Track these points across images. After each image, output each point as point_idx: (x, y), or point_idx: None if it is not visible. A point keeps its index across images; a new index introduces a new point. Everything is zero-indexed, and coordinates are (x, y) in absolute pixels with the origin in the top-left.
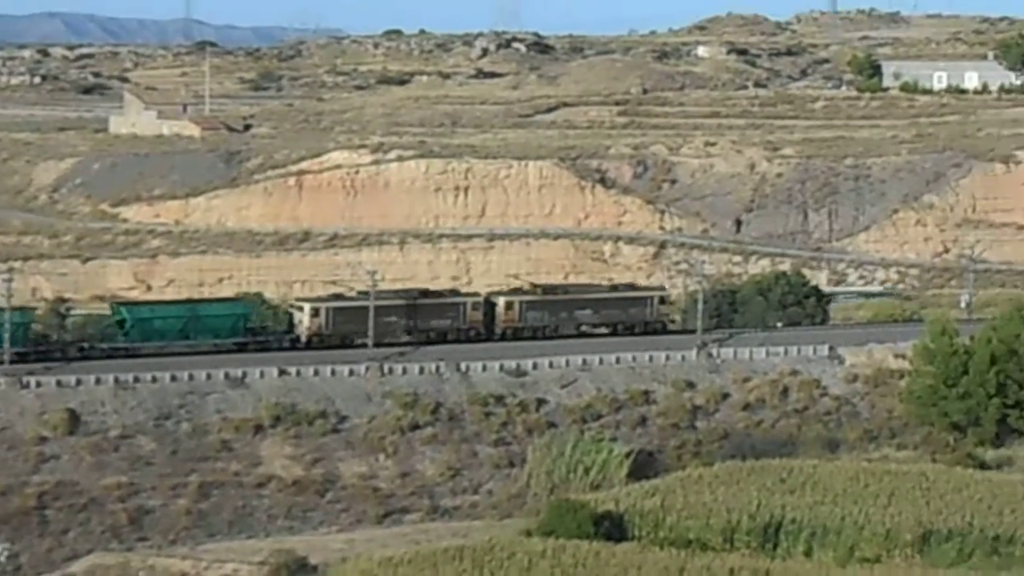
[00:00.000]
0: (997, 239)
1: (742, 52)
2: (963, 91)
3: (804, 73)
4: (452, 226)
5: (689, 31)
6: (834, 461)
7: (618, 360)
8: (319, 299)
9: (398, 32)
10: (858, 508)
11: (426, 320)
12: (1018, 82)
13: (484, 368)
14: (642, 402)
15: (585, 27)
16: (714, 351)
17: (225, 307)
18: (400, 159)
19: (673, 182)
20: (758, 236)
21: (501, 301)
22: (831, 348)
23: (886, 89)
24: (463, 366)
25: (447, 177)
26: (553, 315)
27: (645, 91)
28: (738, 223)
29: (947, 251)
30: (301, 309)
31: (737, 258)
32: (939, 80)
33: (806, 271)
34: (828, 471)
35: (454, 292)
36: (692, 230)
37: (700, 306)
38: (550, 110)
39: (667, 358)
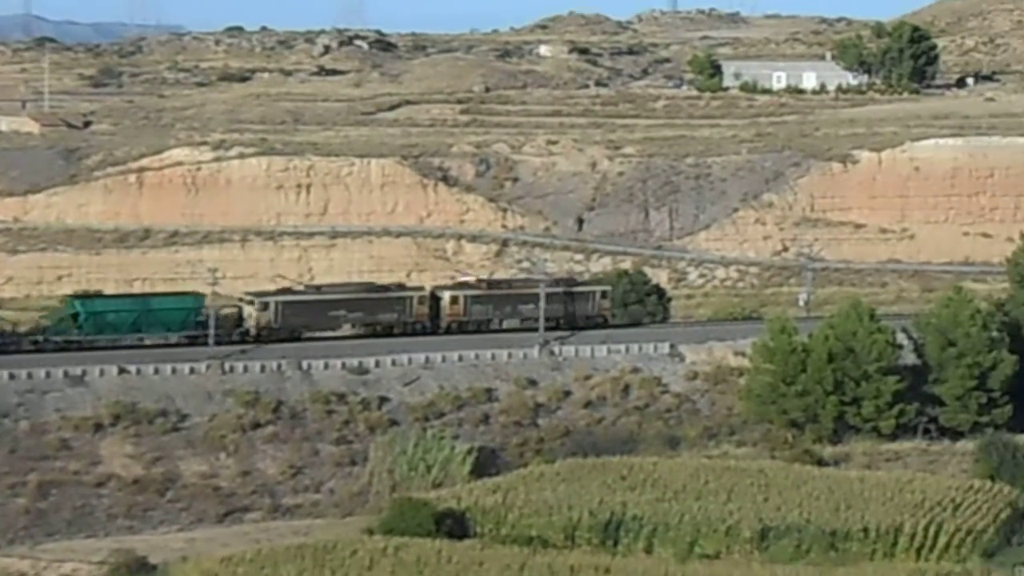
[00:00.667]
0: (835, 238)
1: (584, 51)
2: (801, 91)
3: (645, 72)
4: (294, 224)
5: (531, 30)
6: (674, 458)
7: (460, 358)
8: (268, 293)
9: (240, 29)
10: (698, 504)
11: (373, 314)
12: (855, 82)
13: (326, 366)
14: (484, 400)
15: (428, 25)
16: (556, 349)
17: (176, 301)
18: (242, 156)
19: (515, 180)
20: (600, 234)
21: (446, 295)
22: (672, 346)
23: (726, 89)
24: (305, 364)
25: (289, 175)
26: (497, 309)
27: (487, 89)
28: (580, 221)
29: (786, 249)
30: (251, 303)
31: (579, 256)
32: (778, 80)
33: (647, 269)
34: (668, 468)
35: (400, 286)
36: (534, 228)
37: (542, 304)
38: (392, 108)
39: (509, 356)
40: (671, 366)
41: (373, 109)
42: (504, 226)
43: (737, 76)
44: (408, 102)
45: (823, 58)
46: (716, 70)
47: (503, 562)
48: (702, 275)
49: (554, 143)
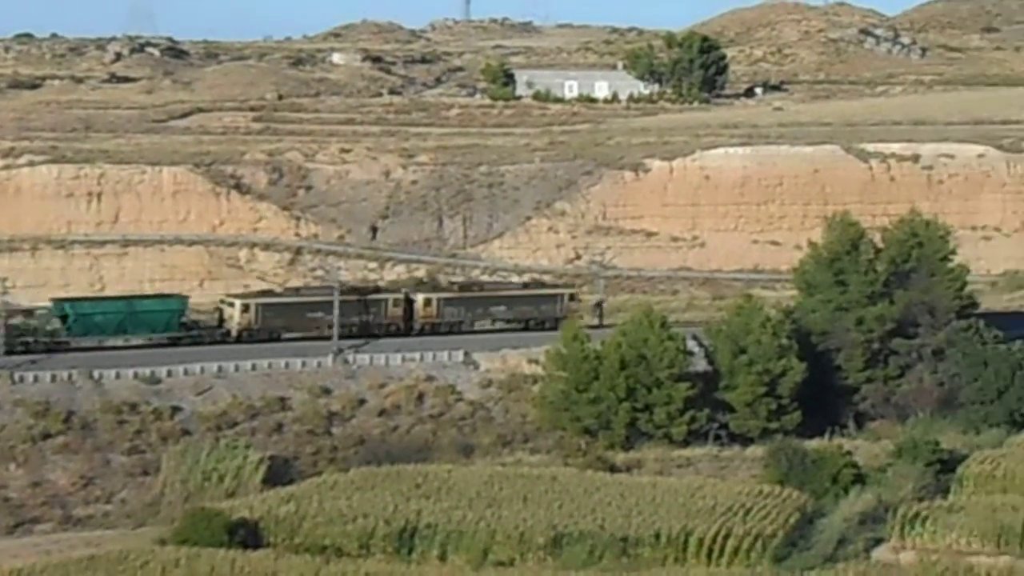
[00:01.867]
0: (627, 246)
1: (377, 59)
2: (594, 100)
3: (439, 81)
4: (85, 232)
5: (324, 38)
6: (469, 466)
7: (254, 367)
8: (249, 295)
9: (29, 36)
10: (492, 512)
11: (349, 316)
12: (646, 91)
13: (118, 376)
14: (278, 409)
15: (220, 32)
16: (350, 357)
17: (160, 303)
18: (31, 164)
19: (309, 188)
20: (394, 242)
21: (420, 298)
22: (466, 354)
23: (519, 97)
24: (96, 374)
25: (80, 183)
26: (469, 311)
27: (280, 97)
28: (374, 229)
29: (579, 257)
30: (232, 305)
31: (373, 264)
32: (570, 89)
33: (441, 277)
34: (463, 476)
35: (377, 289)
36: (328, 236)
37: (336, 312)
38: (184, 115)
39: (303, 364)
40: (465, 374)
41: (165, 117)
42: (298, 234)
43: (530, 85)
44: (200, 110)
45: (615, 68)
46: (509, 79)
47: (297, 571)
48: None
49: (348, 151)
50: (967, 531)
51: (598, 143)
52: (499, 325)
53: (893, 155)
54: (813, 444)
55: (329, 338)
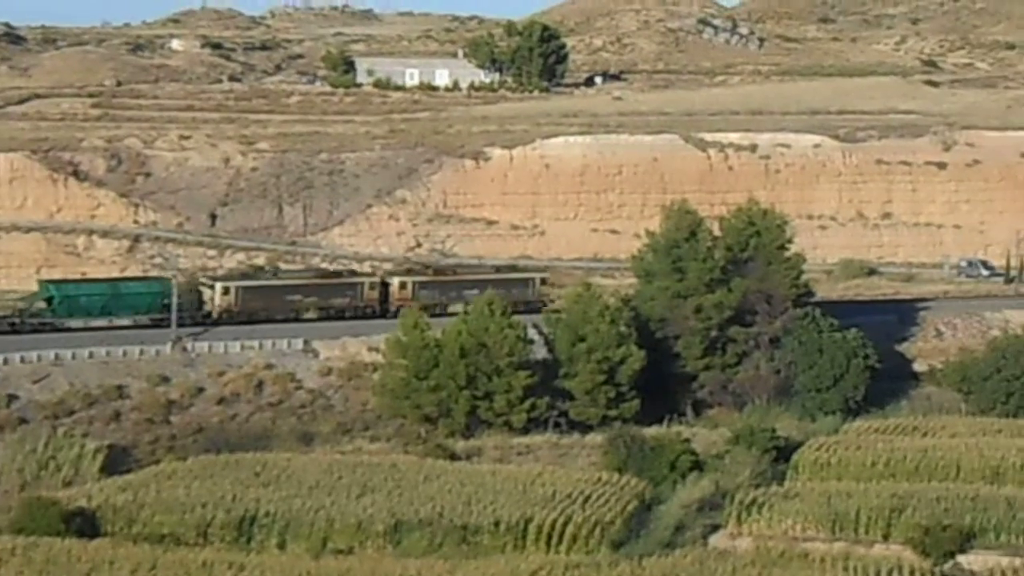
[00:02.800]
0: (468, 234)
1: (217, 46)
2: (434, 88)
3: (279, 68)
4: None
5: (163, 24)
6: (308, 454)
7: (91, 355)
8: (229, 277)
9: None
10: (331, 500)
11: (327, 298)
12: (487, 80)
13: None
14: (116, 397)
15: (57, 18)
16: (189, 345)
17: (144, 286)
18: None
19: (147, 175)
20: (233, 230)
21: (395, 281)
22: (306, 342)
23: (360, 85)
24: None
25: None
26: (444, 294)
27: (119, 83)
28: (213, 217)
29: (419, 245)
30: (212, 287)
31: (212, 252)
32: (411, 77)
33: (281, 264)
34: (302, 464)
35: (352, 273)
36: (167, 224)
37: (175, 300)
38: (21, 102)
39: (141, 352)
40: (305, 362)
41: (1, 103)
42: (136, 221)
43: (370, 73)
44: (38, 96)
45: (455, 56)
46: (349, 66)
47: (134, 560)
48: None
49: (187, 138)
50: (802, 517)
51: (439, 131)
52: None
53: (731, 145)
54: (652, 431)
55: (309, 320)
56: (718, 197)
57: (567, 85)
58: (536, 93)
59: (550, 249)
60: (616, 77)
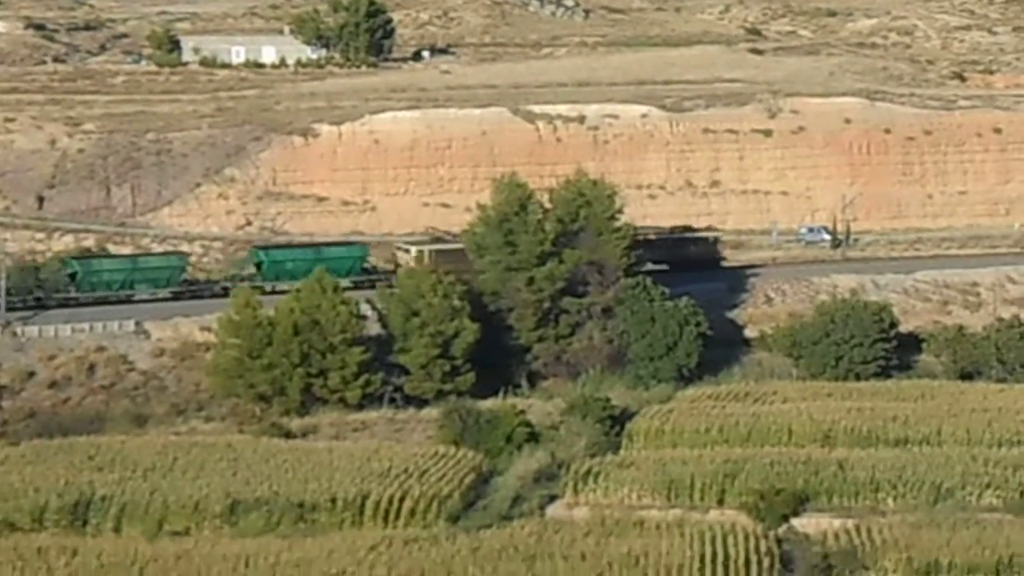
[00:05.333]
0: (298, 211)
1: (40, 27)
2: (261, 65)
3: (103, 48)
4: None
5: None
6: (142, 436)
7: None
8: (421, 241)
9: None
10: (166, 482)
11: None
12: (314, 56)
13: None
14: None
15: None
16: (19, 329)
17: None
18: None
19: None
20: (61, 212)
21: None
22: (137, 323)
23: (186, 64)
24: None
25: None
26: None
27: None
28: (40, 199)
29: (250, 224)
30: (407, 251)
31: (40, 235)
32: (237, 55)
33: (111, 246)
34: (136, 446)
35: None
36: None
37: (2, 284)
38: None
39: None
40: (137, 343)
41: None
42: None
43: (196, 51)
44: None
45: (282, 32)
46: (175, 45)
47: None
48: (166, 252)
49: (11, 120)
50: (638, 485)
51: (266, 109)
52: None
53: (559, 116)
54: (487, 404)
55: None
56: (548, 169)
57: (395, 60)
58: (363, 68)
59: (382, 224)
60: (443, 51)
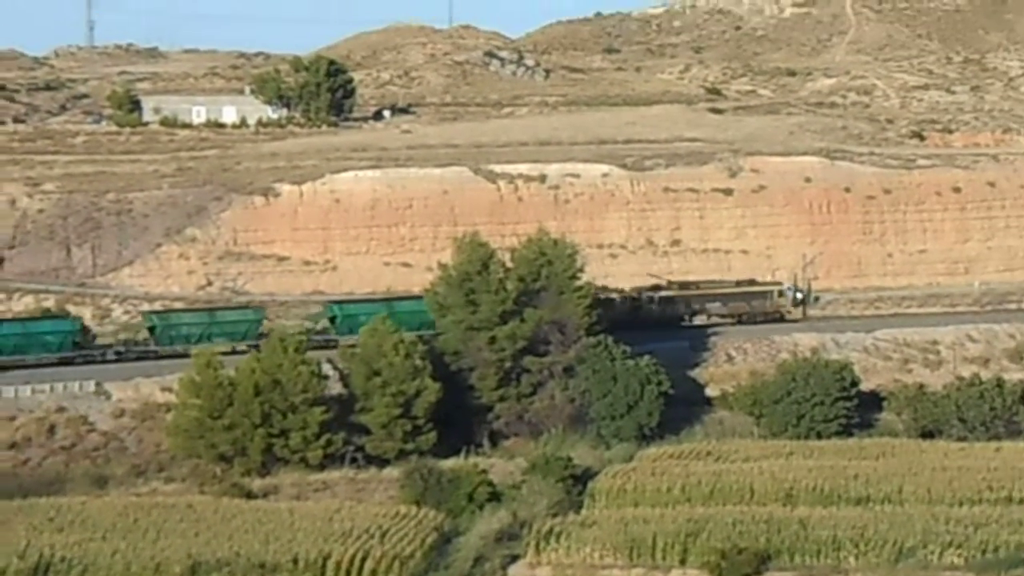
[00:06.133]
0: (259, 271)
1: (0, 88)
2: (222, 125)
3: (64, 108)
4: None
5: None
6: (103, 497)
7: None
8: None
9: None
10: (127, 543)
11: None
12: (275, 116)
13: None
14: None
15: None
16: None
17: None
18: None
19: None
20: (21, 273)
21: (644, 296)
22: (98, 384)
23: (146, 123)
24: None
25: None
26: (688, 307)
27: None
28: (0, 260)
29: (210, 283)
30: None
31: (1, 295)
32: (198, 114)
33: (71, 307)
34: (97, 507)
35: (605, 288)
36: None
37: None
38: None
39: None
40: (97, 404)
41: None
42: None
43: (157, 111)
44: None
45: (242, 92)
46: (135, 105)
47: None
48: (127, 311)
49: None
50: (600, 545)
51: (227, 168)
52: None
53: (520, 176)
54: (449, 463)
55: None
56: (509, 228)
57: (355, 119)
58: (324, 128)
59: (343, 284)
60: (404, 110)
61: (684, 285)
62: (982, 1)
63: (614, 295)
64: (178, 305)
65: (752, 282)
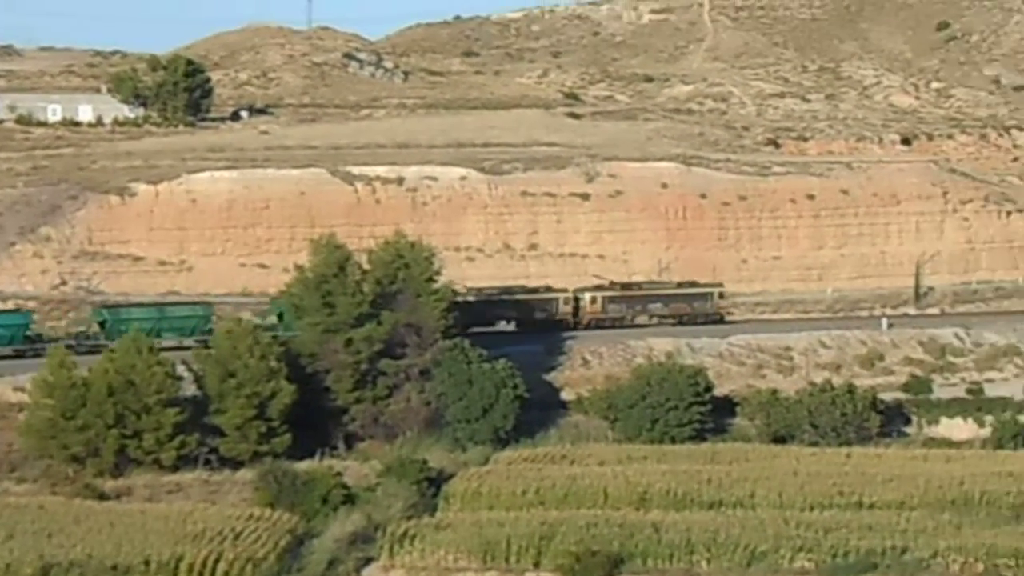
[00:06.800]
0: (114, 271)
1: None
2: (78, 124)
3: None
4: None
5: None
6: None
7: None
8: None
9: None
10: None
11: (526, 313)
12: (131, 115)
13: None
14: None
15: None
16: None
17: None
18: None
19: None
20: None
21: (587, 296)
22: None
23: (1, 121)
24: None
25: None
26: (630, 308)
27: None
28: None
29: (65, 283)
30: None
31: None
32: (54, 112)
33: None
34: None
35: (549, 289)
36: None
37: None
38: None
39: None
40: None
41: None
42: None
43: (12, 109)
44: None
45: (99, 91)
46: None
47: None
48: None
49: None
50: (454, 547)
51: (83, 167)
52: (655, 320)
53: (378, 178)
54: (303, 466)
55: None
56: (366, 230)
57: (213, 119)
58: (181, 128)
59: (199, 285)
60: (262, 111)
61: (626, 286)
62: (837, 10)
63: (554, 295)
64: (31, 305)
65: (693, 283)
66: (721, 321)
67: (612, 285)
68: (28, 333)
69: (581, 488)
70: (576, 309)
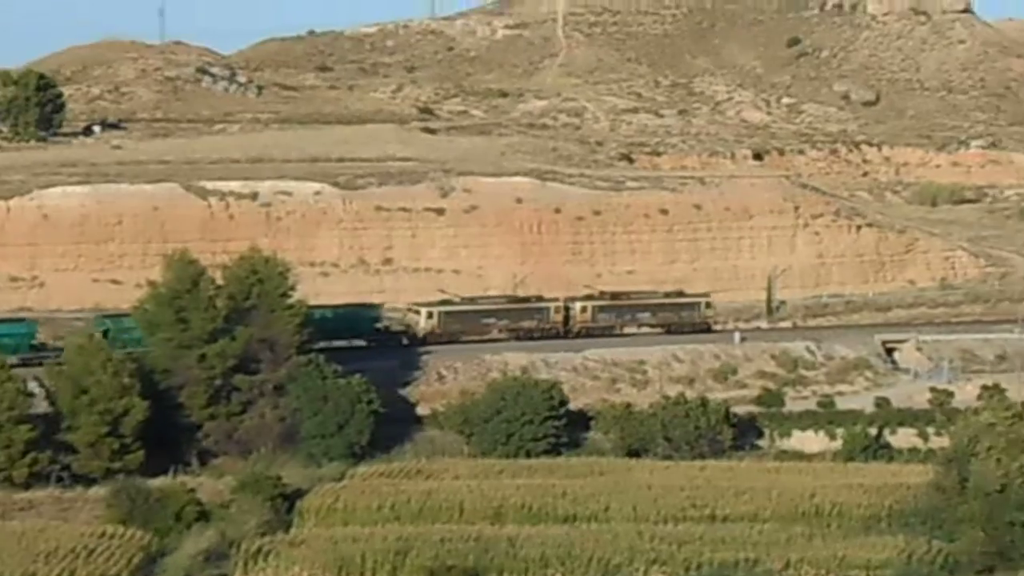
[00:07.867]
0: None
1: None
2: None
3: None
4: None
5: None
6: None
7: None
8: (431, 304)
9: None
10: None
11: (517, 321)
12: None
13: None
14: None
15: None
16: None
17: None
18: None
19: None
20: None
21: (577, 305)
22: None
23: None
24: None
25: None
26: (619, 317)
27: None
28: None
29: None
30: (418, 312)
31: None
32: None
33: None
34: None
35: (540, 298)
36: None
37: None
38: None
39: None
40: None
41: None
42: None
43: None
44: None
45: None
46: None
47: None
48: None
49: None
50: (309, 563)
51: None
52: (644, 329)
53: (232, 193)
54: (157, 483)
55: (499, 340)
56: (220, 246)
57: (65, 134)
58: (33, 143)
59: (51, 300)
60: (115, 126)
61: (615, 296)
62: (690, 27)
63: (545, 304)
64: None
65: (680, 293)
66: (708, 330)
67: (602, 295)
68: (33, 342)
69: (437, 503)
70: (567, 318)
